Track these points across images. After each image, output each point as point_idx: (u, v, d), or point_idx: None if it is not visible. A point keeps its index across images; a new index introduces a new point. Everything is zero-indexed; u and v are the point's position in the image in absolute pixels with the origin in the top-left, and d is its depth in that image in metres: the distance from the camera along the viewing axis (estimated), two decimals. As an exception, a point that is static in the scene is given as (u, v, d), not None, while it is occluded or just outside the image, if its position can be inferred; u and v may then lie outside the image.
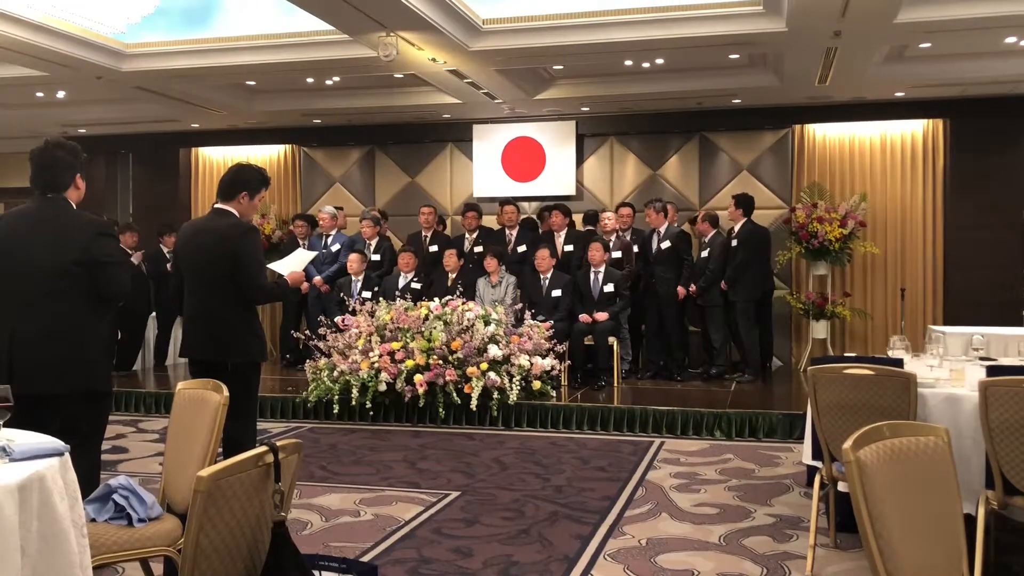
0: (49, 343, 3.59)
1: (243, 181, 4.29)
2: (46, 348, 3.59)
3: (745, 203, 8.88)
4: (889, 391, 3.76)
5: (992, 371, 3.72)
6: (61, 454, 2.43)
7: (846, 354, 8.22)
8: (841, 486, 4.02)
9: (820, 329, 9.58)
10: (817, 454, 4.09)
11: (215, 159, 11.94)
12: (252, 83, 9.65)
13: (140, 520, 2.87)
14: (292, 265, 4.64)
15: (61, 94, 9.58)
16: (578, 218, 9.78)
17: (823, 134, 10.22)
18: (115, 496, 2.92)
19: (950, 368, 4.16)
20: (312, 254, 5.23)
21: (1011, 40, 7.64)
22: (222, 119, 10.73)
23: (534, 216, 10.30)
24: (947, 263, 9.86)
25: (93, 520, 2.86)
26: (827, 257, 9.47)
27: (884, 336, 9.25)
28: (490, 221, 9.91)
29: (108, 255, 3.67)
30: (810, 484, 4.67)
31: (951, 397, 3.84)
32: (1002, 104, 9.52)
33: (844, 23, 6.79)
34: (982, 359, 4.67)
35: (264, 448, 2.07)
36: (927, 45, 7.86)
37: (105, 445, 6.62)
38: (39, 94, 9.63)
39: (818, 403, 3.94)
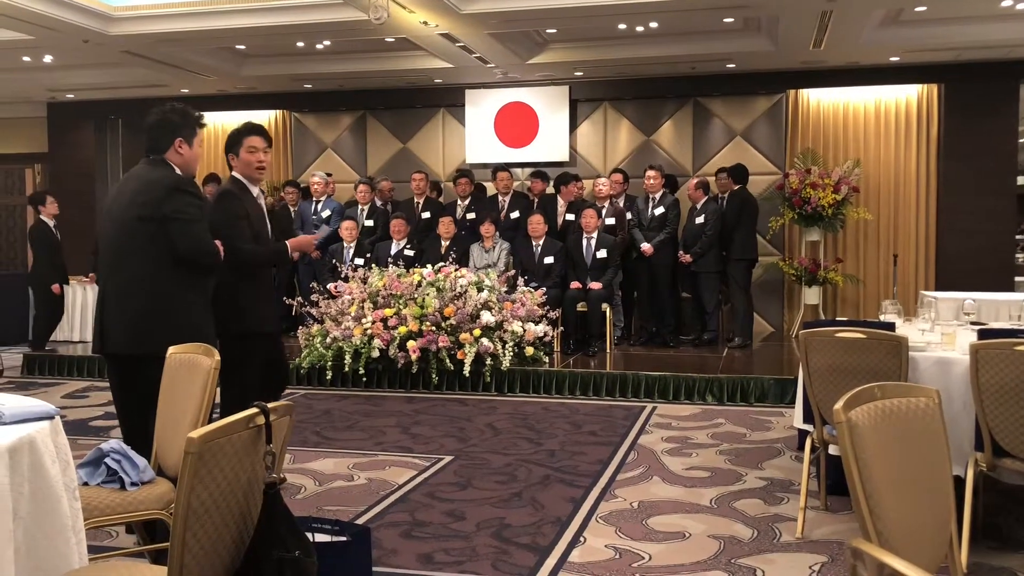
0: (124, 301, 3.59)
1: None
2: (121, 306, 3.60)
3: (737, 173, 8.91)
4: (880, 354, 3.77)
5: (983, 335, 3.72)
6: (52, 417, 2.43)
7: (838, 319, 8.25)
8: (832, 449, 4.04)
9: (812, 295, 9.60)
10: (808, 418, 4.11)
11: (206, 125, 11.81)
12: (242, 47, 9.54)
13: (132, 484, 2.88)
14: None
15: (48, 58, 9.46)
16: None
17: (817, 99, 10.17)
18: (107, 460, 2.92)
19: (941, 332, 4.16)
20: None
21: (1007, 3, 7.59)
22: (212, 84, 10.62)
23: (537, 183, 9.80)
24: (940, 229, 9.86)
25: (85, 484, 2.86)
26: (820, 223, 9.47)
27: (876, 302, 9.27)
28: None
29: (176, 210, 3.54)
30: (801, 448, 4.70)
31: (942, 360, 3.84)
32: (996, 69, 9.47)
33: (839, -14, 6.74)
34: (973, 323, 4.68)
35: (255, 409, 2.06)
36: (922, 9, 7.79)
37: (97, 411, 6.70)
38: (25, 58, 9.49)
39: (810, 367, 3.95)
